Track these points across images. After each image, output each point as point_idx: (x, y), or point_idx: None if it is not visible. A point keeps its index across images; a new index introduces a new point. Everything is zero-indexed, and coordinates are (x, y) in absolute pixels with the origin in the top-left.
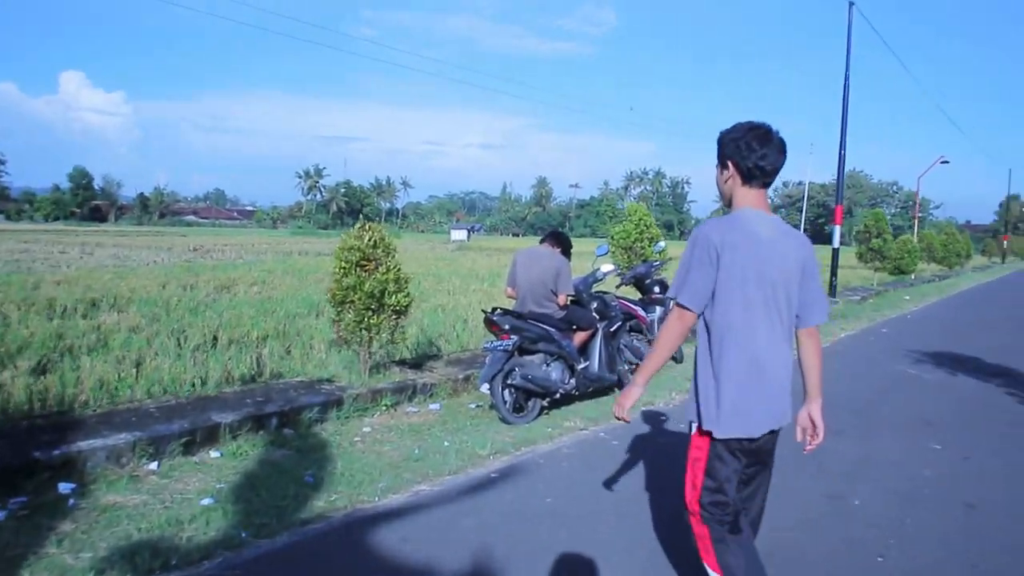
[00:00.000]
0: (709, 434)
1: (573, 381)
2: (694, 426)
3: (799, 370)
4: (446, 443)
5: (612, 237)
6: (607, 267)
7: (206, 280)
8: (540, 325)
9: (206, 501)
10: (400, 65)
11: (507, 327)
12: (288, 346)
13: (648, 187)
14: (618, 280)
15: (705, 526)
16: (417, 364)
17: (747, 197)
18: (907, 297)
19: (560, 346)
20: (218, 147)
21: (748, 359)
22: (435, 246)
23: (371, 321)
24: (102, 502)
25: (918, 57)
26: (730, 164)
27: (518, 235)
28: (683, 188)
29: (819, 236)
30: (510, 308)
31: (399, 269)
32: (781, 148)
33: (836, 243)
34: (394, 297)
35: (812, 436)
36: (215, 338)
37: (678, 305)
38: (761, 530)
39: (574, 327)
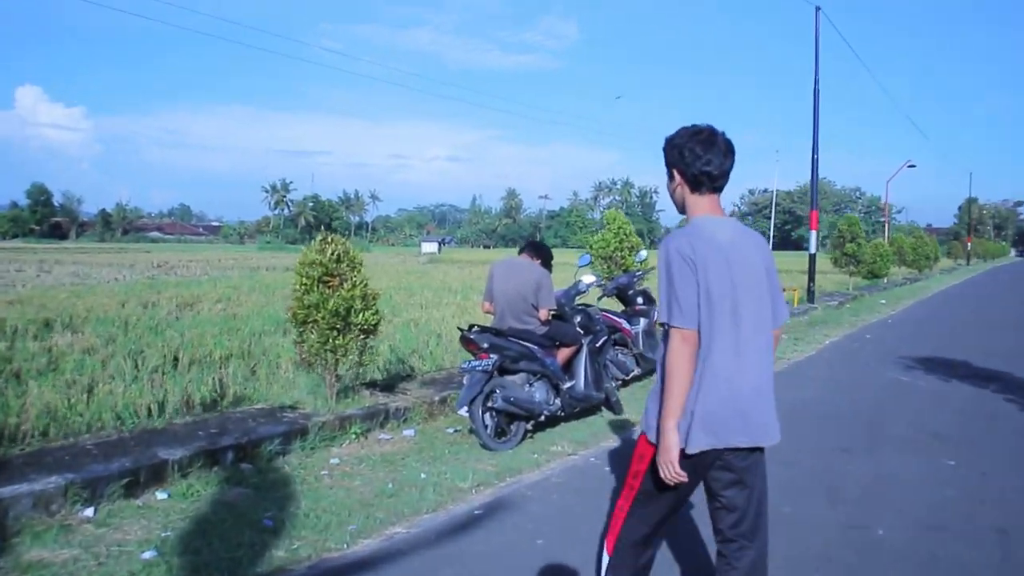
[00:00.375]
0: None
1: (558, 402)
2: (644, 435)
3: None
4: (423, 475)
5: (591, 247)
6: (589, 278)
7: (168, 297)
8: (521, 342)
9: (148, 554)
10: (365, 76)
11: (485, 346)
12: (253, 366)
13: (617, 197)
14: (599, 292)
15: (621, 523)
16: (389, 386)
17: (699, 204)
18: (883, 301)
19: (543, 364)
20: (182, 162)
21: (717, 372)
22: (406, 259)
23: (336, 342)
24: (24, 559)
25: (880, 62)
26: (675, 172)
27: (489, 247)
28: (651, 198)
29: (787, 243)
30: (488, 324)
31: (366, 285)
32: (727, 150)
33: (813, 248)
34: (361, 315)
35: None
36: (176, 359)
37: (674, 328)
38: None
39: (557, 344)
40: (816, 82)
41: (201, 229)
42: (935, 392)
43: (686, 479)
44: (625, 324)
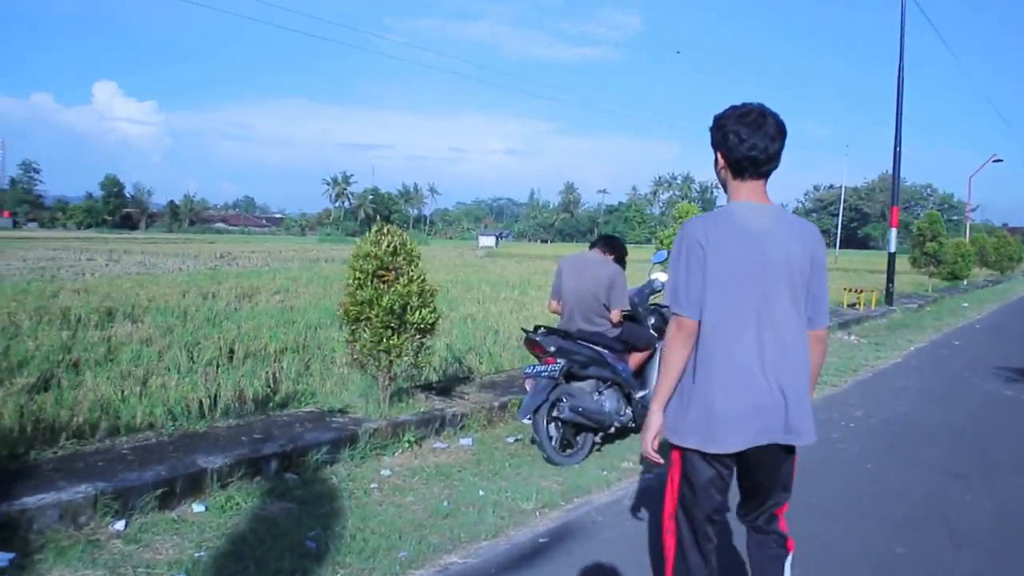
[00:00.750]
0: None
1: (630, 412)
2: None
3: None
4: (481, 492)
5: (661, 242)
6: (664, 276)
7: (228, 288)
8: (591, 346)
9: None
10: (426, 68)
11: (552, 349)
12: (308, 361)
13: (677, 192)
14: None
15: (673, 537)
16: (445, 389)
17: (740, 191)
18: (965, 304)
19: (614, 371)
20: (247, 155)
21: (734, 366)
22: (463, 252)
23: (391, 342)
24: None
25: (961, 50)
26: (719, 155)
27: (546, 241)
28: (712, 193)
29: (852, 241)
30: (554, 325)
31: (423, 280)
32: (776, 133)
33: (892, 247)
34: (418, 313)
35: None
36: (231, 351)
37: (674, 314)
38: None
39: (629, 347)
40: (900, 69)
41: (264, 221)
42: None
43: (660, 461)
44: None
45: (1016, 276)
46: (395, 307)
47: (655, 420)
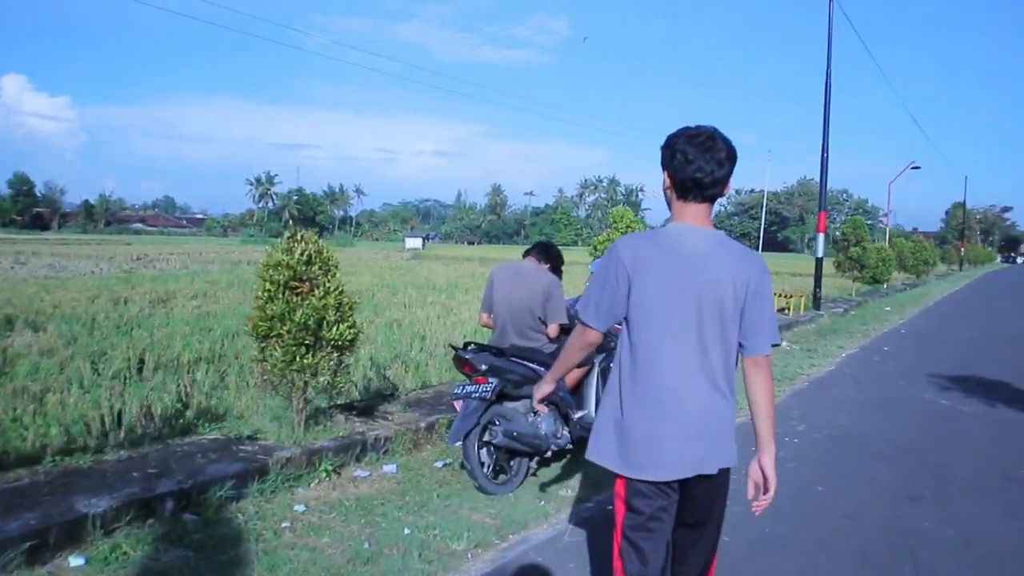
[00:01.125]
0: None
1: (567, 433)
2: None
3: (748, 406)
4: (406, 530)
5: (595, 247)
6: None
7: (142, 293)
8: (526, 363)
9: None
10: (356, 68)
11: (484, 368)
12: (223, 371)
13: (602, 195)
14: None
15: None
16: (367, 409)
17: (683, 212)
18: (888, 308)
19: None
20: (168, 153)
21: (655, 388)
22: (390, 254)
23: (305, 361)
24: None
25: (880, 57)
26: (666, 176)
27: (473, 243)
28: (637, 196)
29: (772, 244)
30: (485, 341)
31: (341, 292)
32: (724, 158)
33: (820, 252)
34: (335, 328)
35: (764, 491)
36: (141, 362)
37: (581, 322)
38: None
39: None
40: (828, 75)
41: (185, 221)
42: (985, 419)
43: (545, 411)
44: None
45: (931, 279)
46: (309, 322)
47: (548, 388)
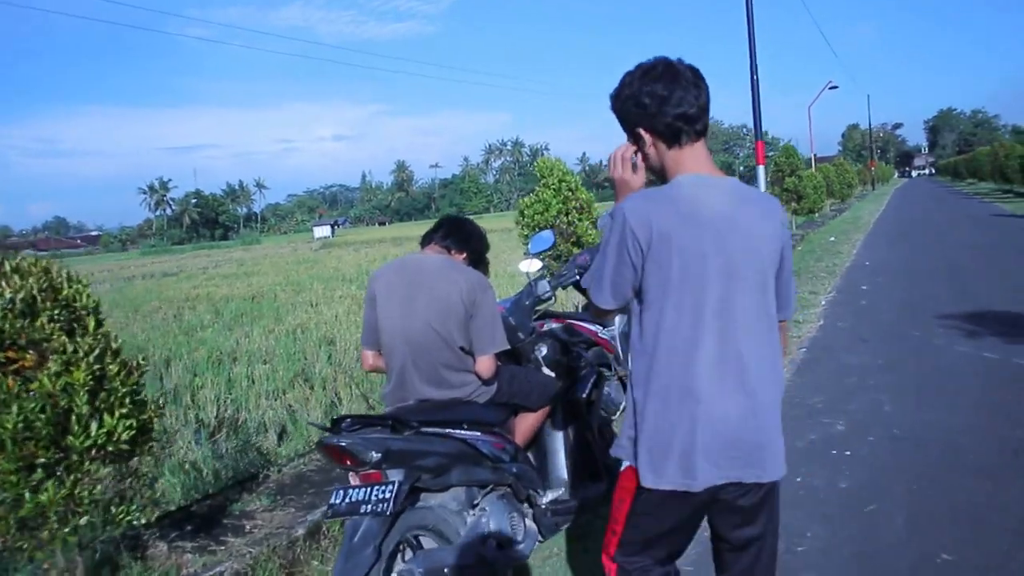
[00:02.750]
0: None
1: (533, 527)
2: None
3: None
4: None
5: (522, 213)
6: (533, 265)
7: None
8: (448, 431)
9: None
10: (240, 57)
11: (375, 457)
12: None
13: (508, 158)
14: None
15: None
16: (211, 516)
17: (681, 161)
18: (832, 238)
19: (497, 464)
20: (54, 172)
21: (682, 385)
22: (297, 247)
23: (42, 497)
24: None
25: None
26: (643, 133)
27: (384, 223)
28: (543, 155)
29: None
30: (375, 404)
31: (107, 353)
32: (695, 79)
33: (762, 186)
34: (95, 425)
35: None
36: None
37: (594, 303)
38: None
39: (516, 409)
40: None
41: (79, 240)
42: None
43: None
44: (602, 333)
45: (853, 202)
46: (38, 423)
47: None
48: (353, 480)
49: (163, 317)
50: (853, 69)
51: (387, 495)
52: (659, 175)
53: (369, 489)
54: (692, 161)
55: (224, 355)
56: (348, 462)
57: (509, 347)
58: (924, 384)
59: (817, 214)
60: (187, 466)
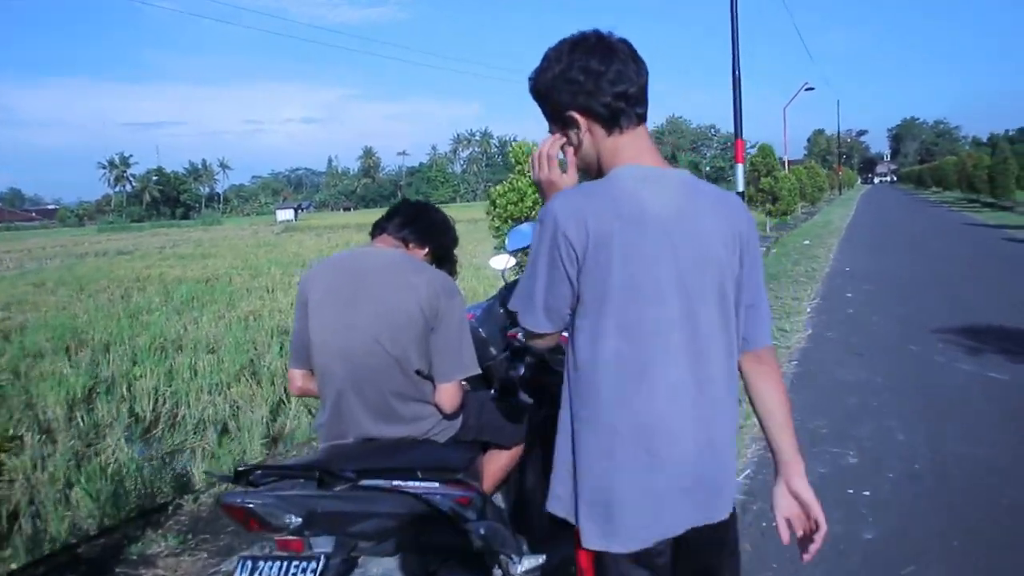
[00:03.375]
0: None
1: None
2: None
3: (757, 419)
4: None
5: (494, 203)
6: (508, 262)
7: None
8: (396, 485)
9: None
10: (212, 40)
11: (292, 522)
12: None
13: (476, 149)
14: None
15: None
16: (102, 560)
17: (620, 149)
18: (807, 241)
19: (458, 524)
20: (10, 142)
21: (633, 426)
22: (259, 230)
23: None
24: None
25: None
26: (577, 116)
27: (349, 209)
28: (510, 147)
29: None
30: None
31: None
32: (633, 56)
33: (741, 186)
34: None
35: (809, 529)
36: None
37: (527, 330)
38: None
39: (485, 445)
40: None
41: (34, 214)
42: None
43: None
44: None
45: (822, 206)
46: None
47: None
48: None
49: (109, 298)
50: (824, 74)
51: (309, 575)
52: (593, 171)
53: (286, 565)
54: (633, 149)
55: (168, 342)
56: (254, 526)
57: (480, 370)
58: (934, 408)
59: (790, 216)
60: (109, 469)
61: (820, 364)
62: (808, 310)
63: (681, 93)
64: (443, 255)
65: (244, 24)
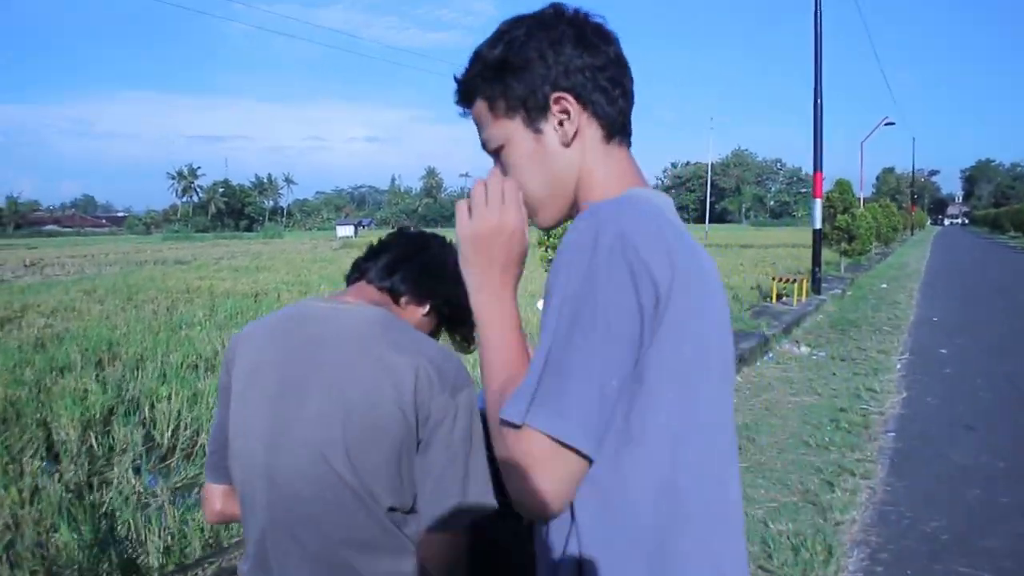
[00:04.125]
0: None
1: None
2: None
3: None
4: None
5: (547, 232)
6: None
7: None
8: None
9: None
10: (283, 58)
11: None
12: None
13: None
14: None
15: None
16: None
17: (620, 167)
18: (884, 285)
19: None
20: (87, 151)
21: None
22: (318, 245)
23: None
24: None
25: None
26: (567, 100)
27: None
28: None
29: (712, 216)
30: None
31: None
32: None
33: (818, 222)
34: None
35: None
36: None
37: (557, 441)
38: None
39: None
40: (818, 7)
41: (104, 220)
42: None
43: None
44: None
45: (895, 247)
46: None
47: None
48: None
49: (154, 309)
50: (900, 109)
51: None
52: (559, 198)
53: None
54: (635, 172)
55: (202, 360)
56: None
57: (495, 506)
58: None
59: (864, 257)
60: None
61: (924, 439)
62: (898, 367)
63: (746, 125)
64: (454, 316)
65: (314, 40)
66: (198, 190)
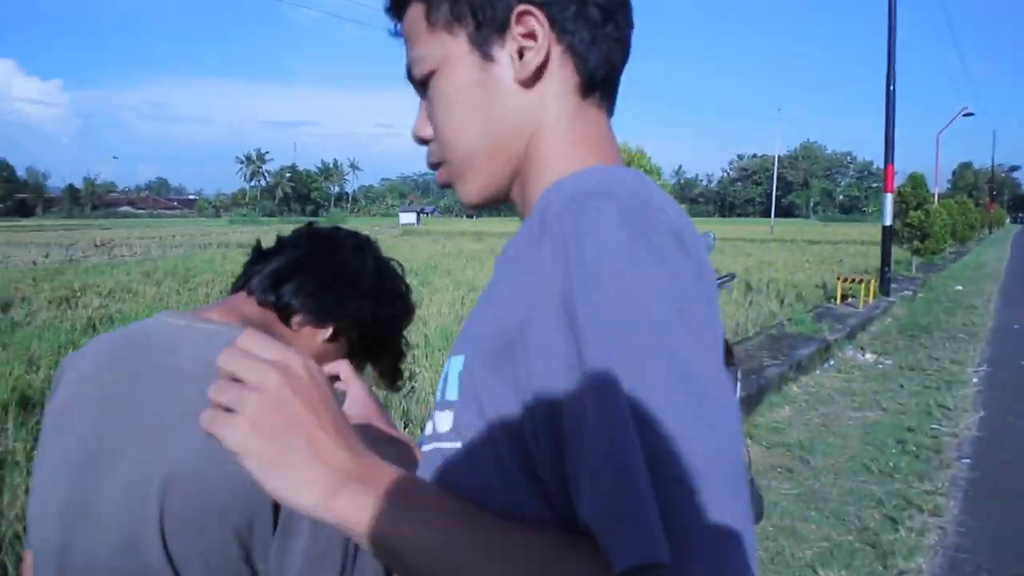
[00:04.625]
0: None
1: None
2: None
3: None
4: None
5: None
6: None
7: (50, 289)
8: None
9: None
10: (352, 43)
11: None
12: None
13: None
14: None
15: None
16: None
17: (596, 132)
18: (959, 287)
19: None
20: (162, 135)
21: None
22: (380, 231)
23: None
24: None
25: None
26: (540, 21)
27: (471, 216)
28: (637, 156)
29: (779, 210)
30: None
31: None
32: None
33: (888, 219)
34: None
35: None
36: None
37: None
38: None
39: None
40: None
41: (176, 203)
42: None
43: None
44: None
45: (971, 246)
46: None
47: None
48: None
49: (207, 293)
50: (978, 100)
51: None
52: (501, 155)
53: None
54: (614, 149)
55: None
56: None
57: None
58: None
59: (938, 256)
60: None
61: (1006, 469)
62: (974, 380)
63: (816, 116)
64: (369, 342)
65: (385, 28)
66: (266, 175)
